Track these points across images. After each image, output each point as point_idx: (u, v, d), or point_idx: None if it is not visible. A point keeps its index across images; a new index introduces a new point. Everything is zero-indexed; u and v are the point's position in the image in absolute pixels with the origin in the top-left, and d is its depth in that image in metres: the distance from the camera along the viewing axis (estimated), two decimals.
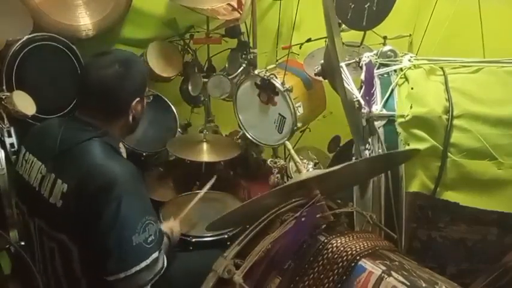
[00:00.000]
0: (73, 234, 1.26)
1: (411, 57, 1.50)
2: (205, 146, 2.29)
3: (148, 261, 1.24)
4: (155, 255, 1.27)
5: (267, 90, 2.18)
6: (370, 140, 1.36)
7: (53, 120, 1.50)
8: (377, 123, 1.30)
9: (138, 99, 1.41)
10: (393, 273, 0.93)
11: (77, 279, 1.30)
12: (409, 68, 1.43)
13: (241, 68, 2.39)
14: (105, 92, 1.36)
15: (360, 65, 1.58)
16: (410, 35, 2.25)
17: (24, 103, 1.83)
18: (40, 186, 1.32)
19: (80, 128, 1.35)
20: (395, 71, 1.45)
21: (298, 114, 2.17)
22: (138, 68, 1.44)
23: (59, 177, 1.28)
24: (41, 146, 1.38)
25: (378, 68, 1.49)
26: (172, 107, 2.57)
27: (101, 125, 1.37)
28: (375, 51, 1.60)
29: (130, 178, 1.27)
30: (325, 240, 1.02)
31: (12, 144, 1.72)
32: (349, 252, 0.97)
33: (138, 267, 1.22)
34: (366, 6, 1.81)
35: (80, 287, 1.31)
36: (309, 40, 2.38)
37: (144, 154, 2.38)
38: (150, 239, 1.25)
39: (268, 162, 2.35)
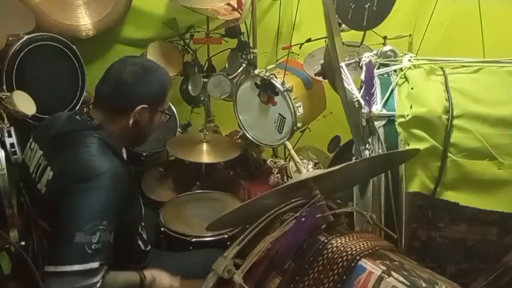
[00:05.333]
0: (52, 222, 1.23)
1: (411, 57, 1.50)
2: (205, 146, 2.29)
3: (82, 266, 1.12)
4: (94, 265, 1.13)
5: (267, 90, 2.18)
6: (370, 140, 1.36)
7: (62, 112, 1.53)
8: (377, 123, 1.30)
9: (145, 106, 1.38)
10: (393, 273, 0.93)
11: None
12: (409, 68, 1.43)
13: (241, 68, 2.39)
14: (116, 85, 1.37)
15: (360, 65, 1.58)
16: (410, 35, 2.25)
17: (24, 103, 1.83)
18: (36, 174, 1.33)
19: (80, 121, 1.38)
20: (395, 71, 1.45)
21: (298, 114, 2.17)
22: (158, 78, 1.42)
23: (49, 164, 1.29)
24: (43, 135, 1.40)
25: (378, 68, 1.49)
26: (172, 107, 2.57)
27: (103, 120, 1.38)
28: (375, 51, 1.60)
29: (111, 176, 1.21)
30: (325, 240, 1.02)
31: (12, 144, 1.72)
32: (349, 252, 0.97)
33: (69, 268, 1.12)
34: (366, 6, 1.82)
35: None
36: (309, 40, 2.38)
37: (144, 154, 2.38)
38: (94, 246, 1.14)
39: (268, 162, 2.35)
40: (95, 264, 1.14)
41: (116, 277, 1.26)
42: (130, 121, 1.39)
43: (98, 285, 1.14)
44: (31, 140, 1.44)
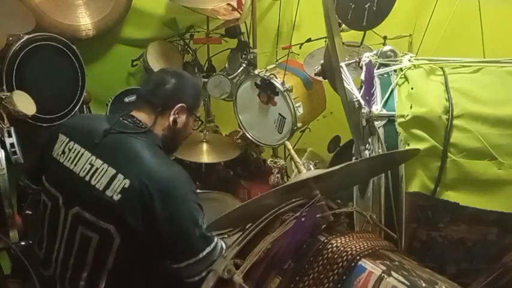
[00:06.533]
0: (122, 225, 1.31)
1: (411, 57, 1.50)
2: (205, 146, 2.29)
3: (209, 247, 1.34)
4: (215, 240, 1.37)
5: (267, 90, 2.18)
6: (370, 140, 1.36)
7: (94, 114, 1.71)
8: (377, 123, 1.30)
9: (183, 105, 1.51)
10: (393, 273, 0.93)
11: (100, 273, 1.34)
12: (409, 68, 1.43)
13: (241, 68, 2.39)
14: (157, 84, 1.52)
15: (360, 65, 1.58)
16: (410, 35, 2.25)
17: (24, 103, 1.83)
18: (91, 177, 1.35)
19: (127, 125, 1.44)
20: (395, 71, 1.45)
21: (298, 114, 2.17)
22: (194, 82, 1.64)
23: (120, 172, 1.33)
24: (85, 137, 1.42)
25: (378, 68, 1.48)
26: None
27: (147, 121, 1.47)
28: (375, 51, 1.60)
29: (187, 179, 1.40)
30: (325, 240, 1.02)
31: (12, 144, 1.72)
32: (349, 252, 0.97)
33: (201, 255, 1.32)
34: (366, 6, 1.82)
35: (98, 281, 1.35)
36: (309, 40, 2.38)
37: None
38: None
39: (268, 162, 2.35)
40: (215, 239, 1.37)
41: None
42: (171, 119, 1.49)
43: (220, 245, 1.38)
44: (66, 139, 1.44)
